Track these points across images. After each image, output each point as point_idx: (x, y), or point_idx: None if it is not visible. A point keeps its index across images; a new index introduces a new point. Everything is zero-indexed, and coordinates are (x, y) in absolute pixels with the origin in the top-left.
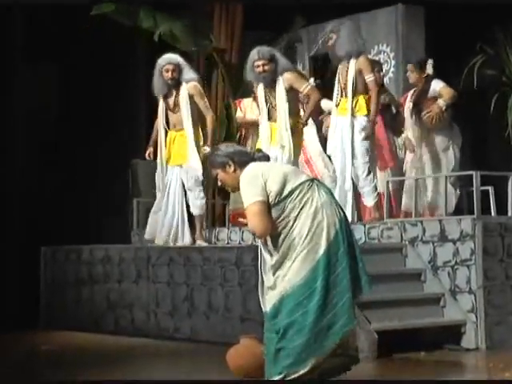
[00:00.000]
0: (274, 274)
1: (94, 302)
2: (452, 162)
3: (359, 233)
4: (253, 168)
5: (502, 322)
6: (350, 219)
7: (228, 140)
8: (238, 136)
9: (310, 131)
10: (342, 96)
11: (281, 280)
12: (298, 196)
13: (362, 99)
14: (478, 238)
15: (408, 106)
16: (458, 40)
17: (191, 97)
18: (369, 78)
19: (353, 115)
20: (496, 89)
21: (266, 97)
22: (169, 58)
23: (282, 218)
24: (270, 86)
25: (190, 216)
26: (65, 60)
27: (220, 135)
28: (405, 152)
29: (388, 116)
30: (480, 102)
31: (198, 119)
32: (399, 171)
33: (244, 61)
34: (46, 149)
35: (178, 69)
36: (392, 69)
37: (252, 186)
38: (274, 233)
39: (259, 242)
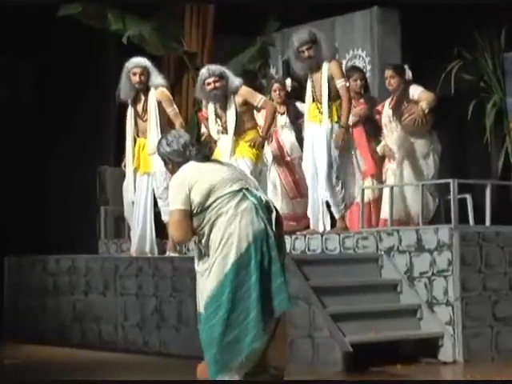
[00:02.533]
0: (200, 280)
1: (59, 314)
2: (432, 168)
3: (334, 243)
4: (181, 173)
5: (480, 334)
6: (322, 228)
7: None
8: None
9: (287, 135)
10: (313, 101)
11: (201, 287)
12: (216, 206)
13: (335, 106)
14: (456, 248)
15: (387, 113)
16: (435, 44)
17: (159, 103)
18: (339, 83)
19: (322, 123)
20: (474, 94)
21: (216, 114)
22: (136, 61)
23: (201, 227)
24: (222, 102)
25: (162, 225)
26: (34, 61)
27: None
28: (382, 160)
29: (369, 125)
30: (457, 108)
31: (167, 126)
32: (381, 179)
33: (216, 63)
34: (11, 156)
35: (145, 73)
36: (368, 73)
37: (177, 193)
38: (196, 241)
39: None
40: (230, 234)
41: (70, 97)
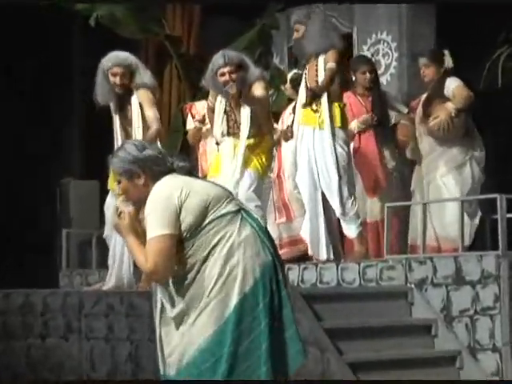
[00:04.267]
0: (177, 329)
1: (10, 363)
2: (469, 182)
3: (352, 273)
4: (167, 186)
5: None
6: (324, 257)
7: (185, 154)
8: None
9: (290, 144)
10: (309, 102)
11: (182, 339)
12: (212, 230)
13: (336, 108)
14: (504, 280)
15: (419, 110)
16: (477, 27)
17: (140, 106)
18: (329, 65)
19: (322, 127)
20: None
21: (227, 112)
22: (116, 57)
23: (187, 256)
24: (236, 98)
25: None
26: None
27: (174, 147)
28: (411, 167)
29: (381, 128)
30: (506, 105)
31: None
32: (393, 196)
33: (205, 52)
34: None
35: (128, 73)
36: (394, 63)
37: (162, 212)
38: (178, 274)
39: (156, 286)
40: (231, 268)
41: (25, 94)
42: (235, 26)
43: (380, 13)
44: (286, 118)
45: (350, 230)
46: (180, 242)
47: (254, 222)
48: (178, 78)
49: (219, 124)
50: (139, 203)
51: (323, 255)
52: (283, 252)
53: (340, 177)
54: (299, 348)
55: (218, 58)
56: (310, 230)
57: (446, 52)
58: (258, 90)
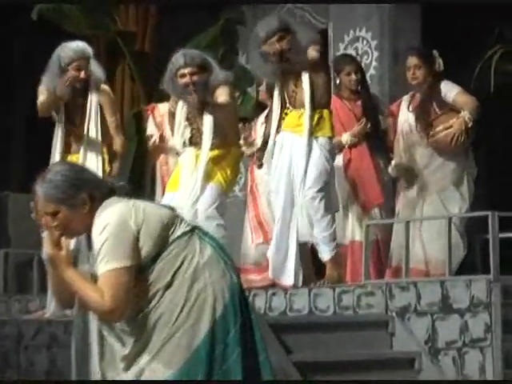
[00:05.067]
0: (126, 370)
1: None
2: (467, 200)
3: (326, 300)
4: (118, 211)
5: None
6: (289, 281)
7: (139, 167)
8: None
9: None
10: (290, 104)
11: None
12: (170, 254)
13: (326, 114)
14: (496, 308)
15: (406, 117)
16: (467, 23)
17: (100, 107)
18: (313, 49)
19: (304, 134)
20: None
21: (189, 119)
22: (78, 48)
23: (148, 284)
24: (199, 103)
25: None
26: None
27: (126, 161)
28: (394, 185)
29: (374, 137)
30: (499, 113)
31: (103, 138)
32: (391, 212)
33: (161, 50)
34: None
35: (88, 65)
36: (374, 63)
37: (118, 242)
38: (134, 307)
39: (93, 319)
40: (199, 292)
41: None
42: (195, 20)
43: (358, 7)
44: (259, 128)
45: (324, 253)
46: (139, 271)
47: (212, 241)
48: (131, 79)
49: (180, 132)
50: (75, 236)
51: (288, 280)
52: (262, 277)
53: (321, 190)
54: (270, 374)
55: (177, 58)
56: (275, 250)
57: (436, 53)
58: (223, 95)
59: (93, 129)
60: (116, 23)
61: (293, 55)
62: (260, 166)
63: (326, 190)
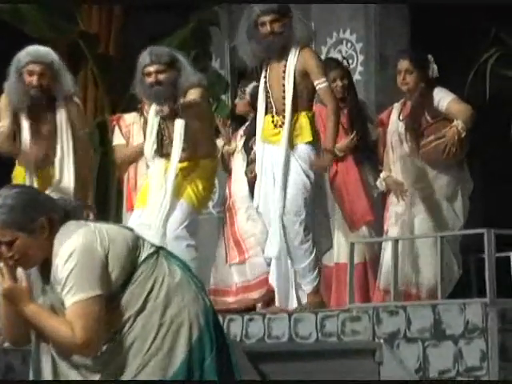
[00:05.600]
0: None
1: None
2: (461, 217)
3: (307, 326)
4: (83, 236)
5: None
6: (294, 304)
7: (104, 181)
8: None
9: (237, 163)
10: (272, 112)
11: None
12: (140, 278)
13: (303, 118)
14: (493, 334)
15: (396, 127)
16: (461, 25)
17: (70, 121)
18: (320, 82)
19: (282, 143)
20: None
21: (160, 124)
22: (35, 52)
23: (119, 311)
24: (169, 106)
25: None
26: None
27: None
28: (384, 201)
29: (362, 149)
30: (495, 122)
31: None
32: (381, 230)
33: (127, 53)
34: None
35: (49, 72)
36: (359, 67)
37: (86, 269)
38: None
39: (45, 352)
40: (173, 317)
41: None
42: (164, 20)
43: (342, 7)
44: (238, 141)
45: (304, 285)
46: (108, 299)
47: (179, 262)
48: (94, 85)
49: (151, 141)
50: (30, 266)
51: (292, 303)
52: (235, 300)
53: (298, 211)
54: None
55: (144, 56)
56: (277, 273)
57: (430, 57)
58: (193, 95)
59: (65, 146)
60: (78, 25)
61: (282, 42)
62: (254, 178)
63: (307, 208)
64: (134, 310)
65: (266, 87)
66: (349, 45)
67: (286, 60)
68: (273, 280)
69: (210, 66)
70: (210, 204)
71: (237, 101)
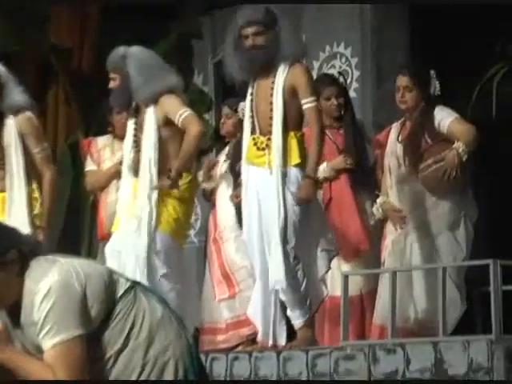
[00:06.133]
0: None
1: None
2: (464, 247)
3: (298, 365)
4: (57, 272)
5: None
6: (283, 342)
7: (77, 206)
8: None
9: (220, 192)
10: (255, 133)
11: None
12: (119, 315)
13: (292, 138)
14: (499, 374)
15: (394, 149)
16: (464, 39)
17: (22, 137)
18: (307, 102)
19: (270, 166)
20: None
21: (134, 133)
22: None
23: (100, 351)
24: (136, 113)
25: None
26: None
27: (61, 197)
28: (381, 229)
29: (358, 172)
30: (502, 143)
31: (30, 174)
32: (378, 260)
33: (102, 69)
34: None
35: None
36: (354, 84)
37: (65, 308)
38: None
39: None
40: (156, 357)
41: None
42: (143, 32)
43: (335, 18)
44: (221, 164)
45: (294, 319)
46: (89, 338)
47: (157, 297)
48: (66, 103)
49: (128, 153)
50: (2, 306)
51: (282, 340)
52: (225, 338)
53: (286, 240)
54: None
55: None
56: (261, 305)
57: (433, 72)
58: (168, 106)
59: (13, 162)
60: (48, 37)
61: (266, 56)
62: (239, 204)
63: (293, 236)
64: (115, 348)
65: (251, 105)
66: (343, 59)
67: (275, 76)
68: (254, 313)
69: (192, 81)
70: (192, 232)
71: (223, 120)
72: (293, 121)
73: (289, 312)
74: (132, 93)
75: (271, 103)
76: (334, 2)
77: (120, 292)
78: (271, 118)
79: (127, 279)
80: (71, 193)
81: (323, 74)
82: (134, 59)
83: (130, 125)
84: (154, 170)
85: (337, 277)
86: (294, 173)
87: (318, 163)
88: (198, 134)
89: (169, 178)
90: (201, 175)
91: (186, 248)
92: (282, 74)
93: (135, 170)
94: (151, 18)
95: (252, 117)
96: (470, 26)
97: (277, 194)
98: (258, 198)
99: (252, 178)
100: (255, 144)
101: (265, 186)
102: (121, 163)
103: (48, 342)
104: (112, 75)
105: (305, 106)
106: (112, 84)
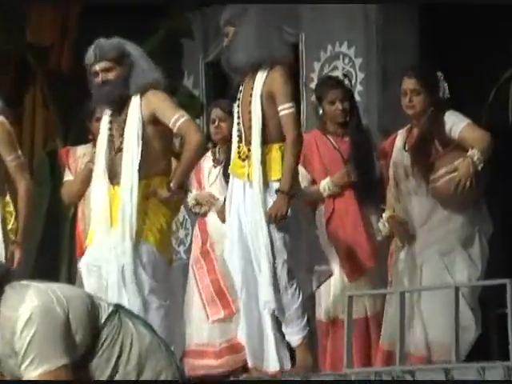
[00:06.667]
0: None
1: None
2: (479, 264)
3: None
4: (38, 297)
5: None
6: (276, 367)
7: (55, 217)
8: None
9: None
10: (243, 142)
11: None
12: (105, 342)
13: (275, 151)
14: None
15: (400, 158)
16: (476, 40)
17: None
18: (284, 108)
19: (251, 179)
20: None
21: (110, 132)
22: None
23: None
24: (117, 110)
25: None
26: None
27: (39, 208)
28: (388, 246)
29: (364, 184)
30: None
31: (3, 185)
32: (384, 280)
33: (82, 69)
34: None
35: None
36: (358, 87)
37: (48, 336)
38: None
39: None
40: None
41: None
42: (127, 30)
43: (337, 16)
44: (206, 176)
45: (291, 335)
46: (75, 366)
47: (143, 322)
48: (44, 107)
49: (99, 161)
50: None
51: (274, 365)
52: (220, 363)
53: (274, 257)
54: None
55: (89, 53)
56: (247, 330)
57: (441, 75)
58: (158, 104)
59: None
60: (25, 36)
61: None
62: (223, 221)
63: (283, 252)
64: (103, 376)
65: (238, 111)
66: (346, 60)
67: (254, 82)
68: (242, 334)
69: (180, 84)
70: (182, 249)
71: (216, 124)
72: (275, 131)
73: (284, 328)
74: (130, 83)
75: (250, 112)
76: (334, 1)
77: (103, 317)
78: (250, 128)
79: (109, 303)
80: (50, 203)
81: (327, 76)
82: (134, 47)
83: (106, 119)
84: (137, 175)
85: (340, 298)
86: (275, 188)
87: (292, 175)
88: (199, 144)
89: (169, 190)
90: (190, 197)
91: (174, 265)
92: (260, 79)
93: (113, 174)
94: (137, 17)
95: (239, 124)
96: (483, 27)
97: (257, 209)
98: (238, 211)
99: (235, 190)
100: (239, 153)
101: (245, 200)
102: (93, 163)
103: (31, 374)
104: (108, 65)
105: (281, 113)
106: (110, 75)
